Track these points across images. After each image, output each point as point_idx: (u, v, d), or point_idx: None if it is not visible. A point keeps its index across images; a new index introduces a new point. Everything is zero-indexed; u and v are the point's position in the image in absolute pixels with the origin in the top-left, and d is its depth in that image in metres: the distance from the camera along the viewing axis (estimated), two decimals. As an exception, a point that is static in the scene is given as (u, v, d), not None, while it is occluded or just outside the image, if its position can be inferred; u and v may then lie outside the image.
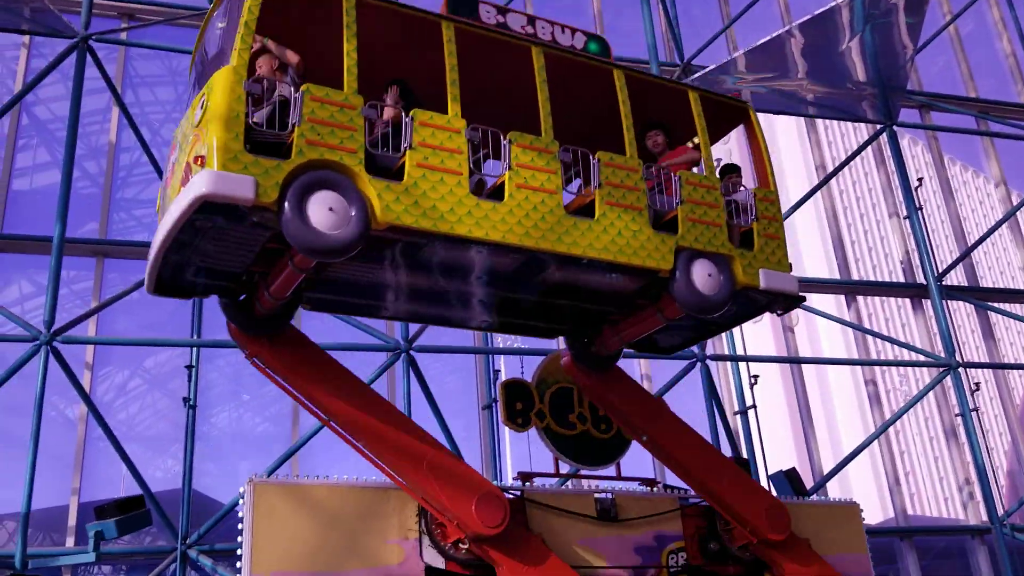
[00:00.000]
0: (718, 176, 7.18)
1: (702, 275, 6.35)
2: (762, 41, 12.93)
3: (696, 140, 7.08)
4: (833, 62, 13.65)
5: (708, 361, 12.99)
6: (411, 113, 5.64)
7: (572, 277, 6.45)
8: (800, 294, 6.91)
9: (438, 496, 6.58)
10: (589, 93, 6.84)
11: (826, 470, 14.04)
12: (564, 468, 8.67)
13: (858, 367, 31.55)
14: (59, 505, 11.45)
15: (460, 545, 6.72)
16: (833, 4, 12.26)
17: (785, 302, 6.94)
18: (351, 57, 5.57)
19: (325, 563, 6.69)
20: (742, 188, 7.14)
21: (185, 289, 6.18)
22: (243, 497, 6.60)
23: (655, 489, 8.31)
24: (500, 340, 12.41)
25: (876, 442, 14.60)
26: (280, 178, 5.02)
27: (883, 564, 11.37)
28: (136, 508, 8.36)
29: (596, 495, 7.90)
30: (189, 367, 11.08)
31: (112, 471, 12.18)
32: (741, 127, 7.63)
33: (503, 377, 11.80)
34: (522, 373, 11.09)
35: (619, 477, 8.32)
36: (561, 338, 7.94)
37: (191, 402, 10.84)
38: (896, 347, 15.63)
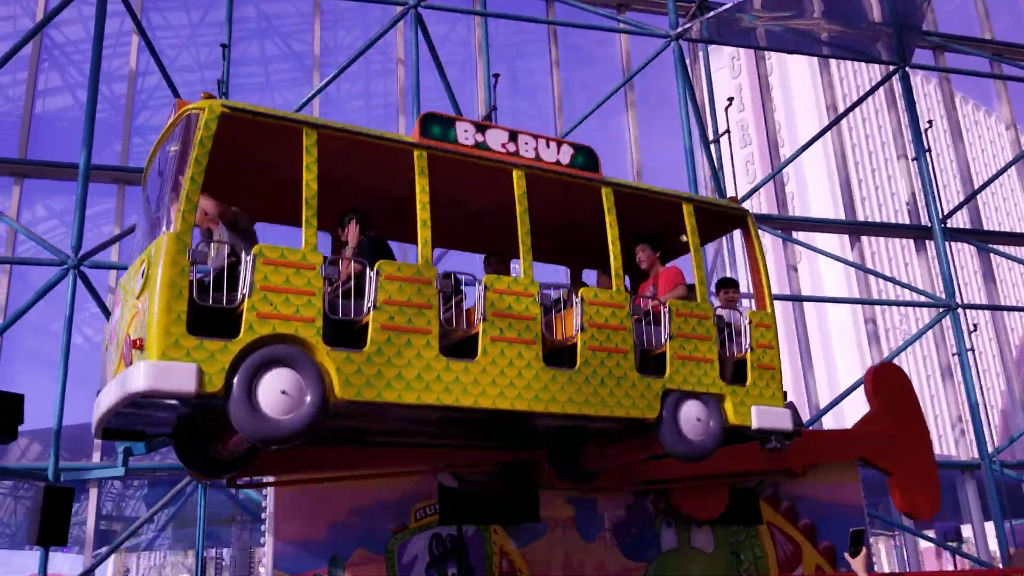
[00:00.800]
0: (715, 289, 7.07)
1: (690, 419, 5.95)
2: (780, -21, 12.89)
3: (685, 238, 6.65)
4: (849, 1, 13.59)
5: (713, 297, 13.27)
6: (376, 266, 5.14)
7: (552, 424, 6.14)
8: (794, 429, 6.50)
9: (459, 458, 7.23)
10: (577, 207, 6.45)
11: (822, 404, 14.47)
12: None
13: (859, 306, 31.92)
14: (75, 424, 11.90)
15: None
16: (852, -57, 12.17)
17: (780, 438, 6.50)
18: (310, 207, 5.01)
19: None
20: (734, 311, 6.74)
21: (135, 435, 5.99)
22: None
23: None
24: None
25: (873, 379, 14.98)
26: (227, 362, 4.55)
27: (875, 496, 11.82)
28: (164, 426, 8.79)
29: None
30: None
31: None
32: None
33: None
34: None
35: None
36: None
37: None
38: (897, 287, 15.91)
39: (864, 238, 16.97)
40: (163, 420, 5.56)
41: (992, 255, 16.37)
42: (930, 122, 16.21)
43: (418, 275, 5.22)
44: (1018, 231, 15.65)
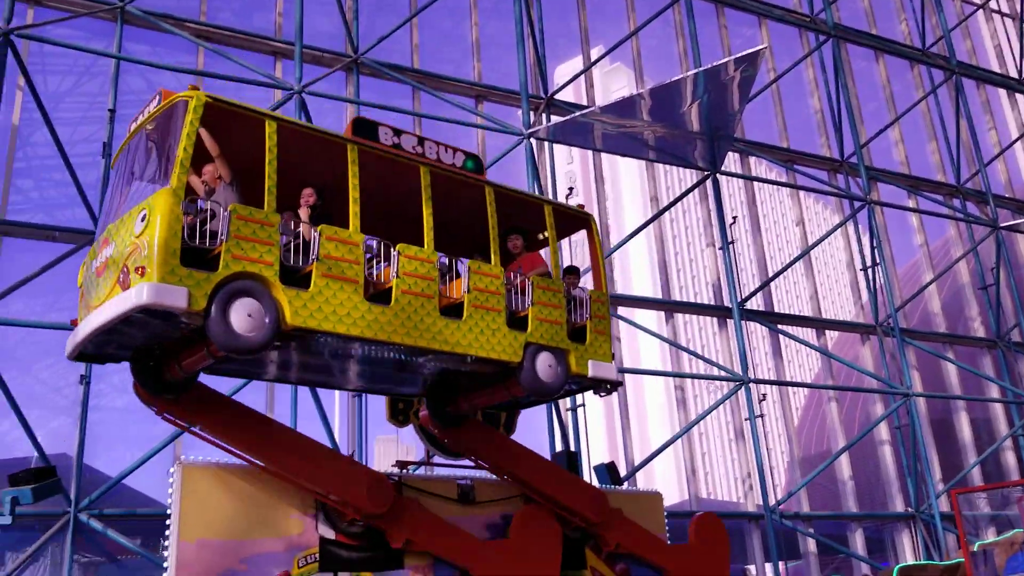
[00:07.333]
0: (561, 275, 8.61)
1: (544, 366, 7.73)
2: (616, 99, 14.98)
3: (546, 234, 8.46)
4: (674, 118, 15.87)
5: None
6: (319, 228, 6.57)
7: (442, 362, 7.65)
8: (618, 379, 8.42)
9: (336, 489, 8.13)
10: (466, 202, 7.96)
11: (636, 462, 16.48)
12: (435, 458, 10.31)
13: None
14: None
15: (356, 522, 8.29)
16: (680, 77, 14.43)
17: (608, 385, 8.47)
18: (271, 179, 6.40)
19: (239, 532, 8.10)
20: (579, 289, 8.46)
21: (102, 358, 6.98)
22: (171, 476, 7.88)
23: (504, 477, 10.15)
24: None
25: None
26: (208, 288, 5.85)
27: (677, 541, 13.67)
28: (50, 477, 9.30)
29: (458, 481, 9.64)
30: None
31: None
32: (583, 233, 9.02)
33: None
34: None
35: (477, 466, 10.07)
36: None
37: (87, 379, 11.65)
38: (702, 361, 18.35)
39: (677, 315, 19.36)
40: (132, 342, 6.57)
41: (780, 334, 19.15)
42: (735, 218, 18.86)
43: (350, 238, 6.69)
44: (802, 314, 18.17)
